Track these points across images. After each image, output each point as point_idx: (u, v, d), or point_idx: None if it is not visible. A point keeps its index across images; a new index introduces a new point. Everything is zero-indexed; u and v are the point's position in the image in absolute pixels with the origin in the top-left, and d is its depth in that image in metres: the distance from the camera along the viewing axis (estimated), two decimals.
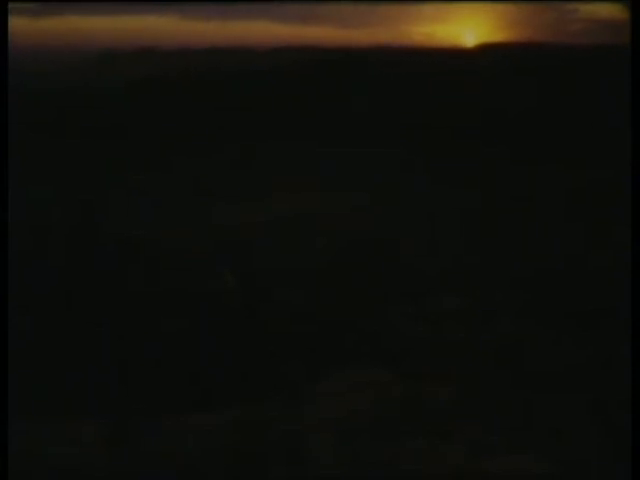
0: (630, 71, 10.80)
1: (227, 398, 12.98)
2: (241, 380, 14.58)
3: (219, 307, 19.60)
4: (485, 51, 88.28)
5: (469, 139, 56.22)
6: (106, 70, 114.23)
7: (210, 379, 14.76)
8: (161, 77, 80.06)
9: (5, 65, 12.52)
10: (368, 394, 12.03)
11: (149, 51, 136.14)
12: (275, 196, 41.34)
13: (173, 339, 17.23)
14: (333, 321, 18.95)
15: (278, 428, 10.85)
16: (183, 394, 13.81)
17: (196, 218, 36.00)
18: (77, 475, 9.70)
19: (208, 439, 10.62)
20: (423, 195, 40.59)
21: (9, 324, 10.33)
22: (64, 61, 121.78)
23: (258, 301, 20.53)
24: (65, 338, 16.81)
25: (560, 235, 29.29)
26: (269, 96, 70.18)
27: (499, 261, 25.89)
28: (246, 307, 19.91)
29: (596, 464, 9.70)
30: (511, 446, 10.15)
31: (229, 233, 31.99)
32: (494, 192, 40.60)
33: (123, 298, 19.41)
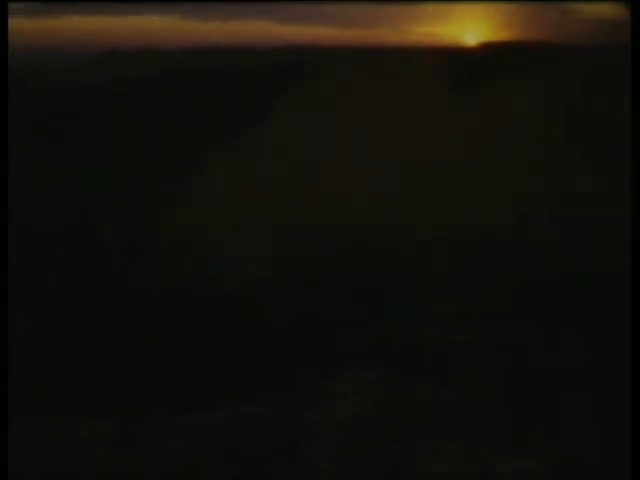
0: (630, 71, 10.80)
1: (229, 397, 12.99)
2: (243, 379, 14.60)
3: (220, 307, 19.62)
4: (486, 50, 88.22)
5: (469, 138, 56.21)
6: (107, 70, 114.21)
7: (211, 378, 14.78)
8: (162, 76, 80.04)
9: (5, 65, 12.53)
10: (371, 394, 12.03)
11: (150, 51, 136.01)
12: (276, 197, 41.34)
13: (173, 339, 17.25)
14: (336, 321, 18.97)
15: (279, 428, 10.86)
16: (183, 393, 13.83)
17: (197, 219, 36.01)
18: (77, 475, 9.71)
19: (208, 439, 10.63)
20: (422, 195, 40.58)
21: (12, 325, 10.36)
22: (64, 61, 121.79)
23: (260, 301, 20.55)
24: (65, 339, 16.83)
25: (561, 237, 29.31)
26: (270, 96, 70.17)
27: (502, 263, 25.91)
28: (248, 307, 19.93)
29: (598, 464, 9.71)
30: (514, 446, 10.15)
31: (229, 234, 31.99)
32: (494, 191, 40.59)
33: (123, 298, 19.43)
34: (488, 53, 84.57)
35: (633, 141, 10.56)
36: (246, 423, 11.11)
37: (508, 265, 25.56)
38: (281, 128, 61.94)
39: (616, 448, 9.71)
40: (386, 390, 12.18)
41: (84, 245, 22.74)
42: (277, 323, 18.70)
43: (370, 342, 16.66)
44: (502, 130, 57.78)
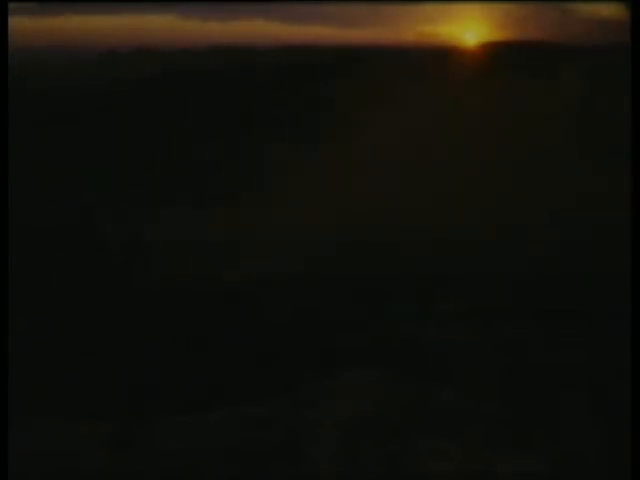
0: (630, 71, 10.80)
1: (229, 397, 12.99)
2: (243, 379, 14.60)
3: (220, 307, 19.61)
4: (485, 50, 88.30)
5: (468, 138, 56.20)
6: (106, 69, 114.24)
7: (211, 378, 14.78)
8: (162, 76, 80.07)
9: (5, 65, 12.52)
10: (371, 394, 12.04)
11: (150, 50, 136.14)
12: (276, 198, 41.32)
13: (173, 339, 17.26)
14: (336, 321, 18.98)
15: (279, 428, 10.86)
16: (183, 393, 13.83)
17: (198, 219, 35.98)
18: (77, 475, 9.72)
19: (208, 439, 10.63)
20: (422, 195, 40.57)
21: (12, 325, 10.37)
22: (64, 60, 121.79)
23: (261, 301, 20.55)
24: (65, 339, 16.83)
25: (561, 237, 29.30)
26: (270, 95, 70.20)
27: (503, 263, 25.91)
28: (248, 307, 19.93)
29: (598, 464, 9.72)
30: (514, 446, 10.16)
31: (230, 235, 31.97)
32: (494, 191, 40.58)
33: (123, 298, 19.43)
34: (487, 53, 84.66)
35: (633, 141, 10.56)
36: (246, 423, 11.11)
37: (508, 265, 25.57)
38: (281, 128, 61.95)
39: (616, 448, 9.71)
40: (386, 390, 12.19)
41: (84, 245, 22.75)
42: (277, 323, 18.71)
43: (370, 342, 16.66)
44: (502, 130, 57.75)
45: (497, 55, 79.85)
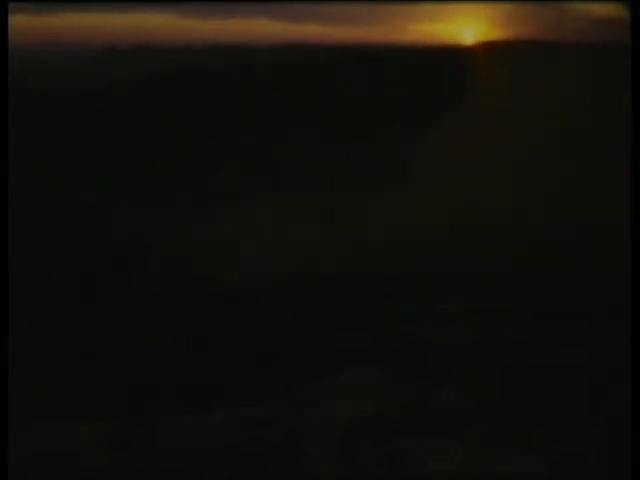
0: (629, 69, 10.81)
1: (229, 397, 13.00)
2: (243, 379, 14.61)
3: (220, 307, 19.62)
4: (484, 49, 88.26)
5: (468, 138, 56.21)
6: (106, 68, 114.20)
7: (211, 378, 14.79)
8: (161, 75, 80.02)
9: (5, 64, 12.52)
10: (371, 394, 12.04)
11: (149, 49, 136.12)
12: (276, 197, 41.30)
13: (173, 339, 17.27)
14: (336, 321, 18.99)
15: (279, 428, 10.86)
16: (183, 393, 13.84)
17: (198, 219, 35.97)
18: (77, 475, 9.72)
19: (208, 439, 10.63)
20: (422, 195, 40.57)
21: (12, 325, 10.37)
22: (64, 59, 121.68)
23: (260, 301, 20.57)
24: (65, 339, 16.84)
25: (561, 237, 29.31)
26: (269, 94, 70.19)
27: (502, 263, 25.92)
28: (249, 307, 19.94)
29: (598, 464, 9.72)
30: (514, 446, 10.16)
31: (230, 234, 31.97)
32: (494, 191, 40.57)
33: (123, 298, 19.44)
34: (486, 52, 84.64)
35: (633, 140, 10.56)
36: (246, 423, 11.11)
37: (508, 265, 25.58)
38: (280, 127, 61.96)
39: (616, 448, 9.72)
40: (386, 390, 12.19)
41: (84, 245, 22.75)
42: (277, 323, 18.72)
43: (370, 342, 16.67)
44: (501, 129, 57.75)
45: (496, 54, 79.80)
